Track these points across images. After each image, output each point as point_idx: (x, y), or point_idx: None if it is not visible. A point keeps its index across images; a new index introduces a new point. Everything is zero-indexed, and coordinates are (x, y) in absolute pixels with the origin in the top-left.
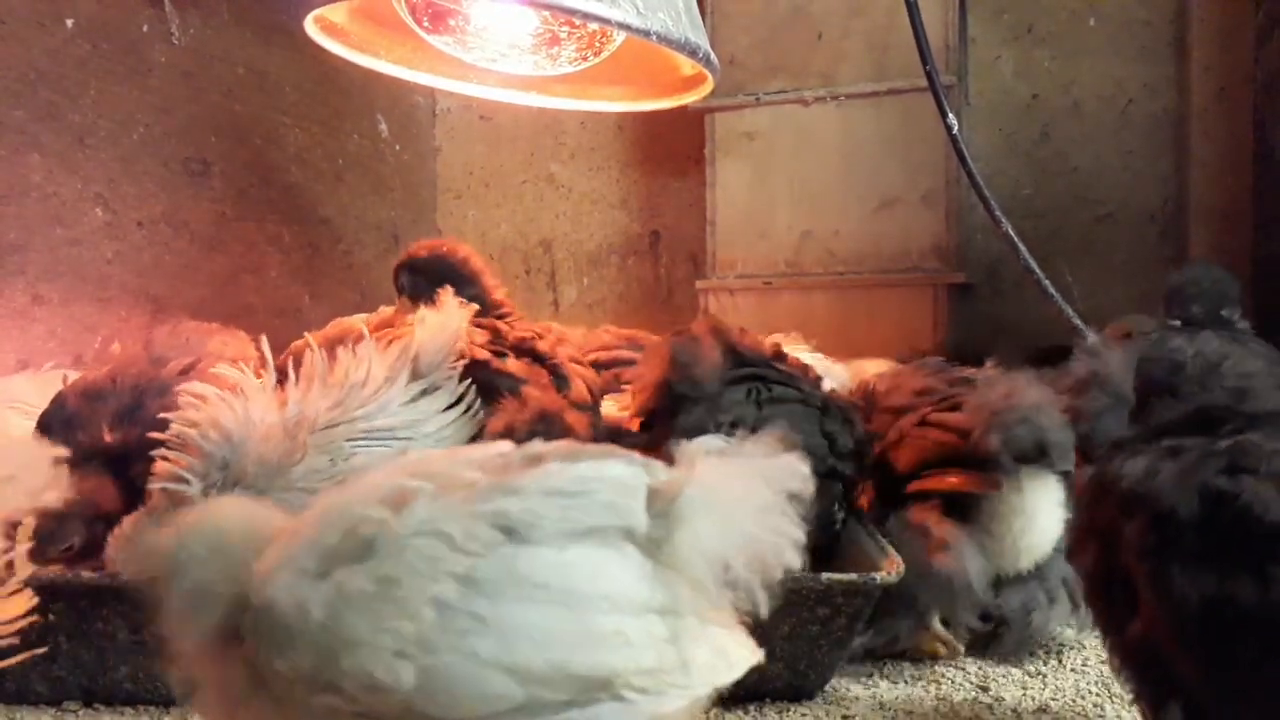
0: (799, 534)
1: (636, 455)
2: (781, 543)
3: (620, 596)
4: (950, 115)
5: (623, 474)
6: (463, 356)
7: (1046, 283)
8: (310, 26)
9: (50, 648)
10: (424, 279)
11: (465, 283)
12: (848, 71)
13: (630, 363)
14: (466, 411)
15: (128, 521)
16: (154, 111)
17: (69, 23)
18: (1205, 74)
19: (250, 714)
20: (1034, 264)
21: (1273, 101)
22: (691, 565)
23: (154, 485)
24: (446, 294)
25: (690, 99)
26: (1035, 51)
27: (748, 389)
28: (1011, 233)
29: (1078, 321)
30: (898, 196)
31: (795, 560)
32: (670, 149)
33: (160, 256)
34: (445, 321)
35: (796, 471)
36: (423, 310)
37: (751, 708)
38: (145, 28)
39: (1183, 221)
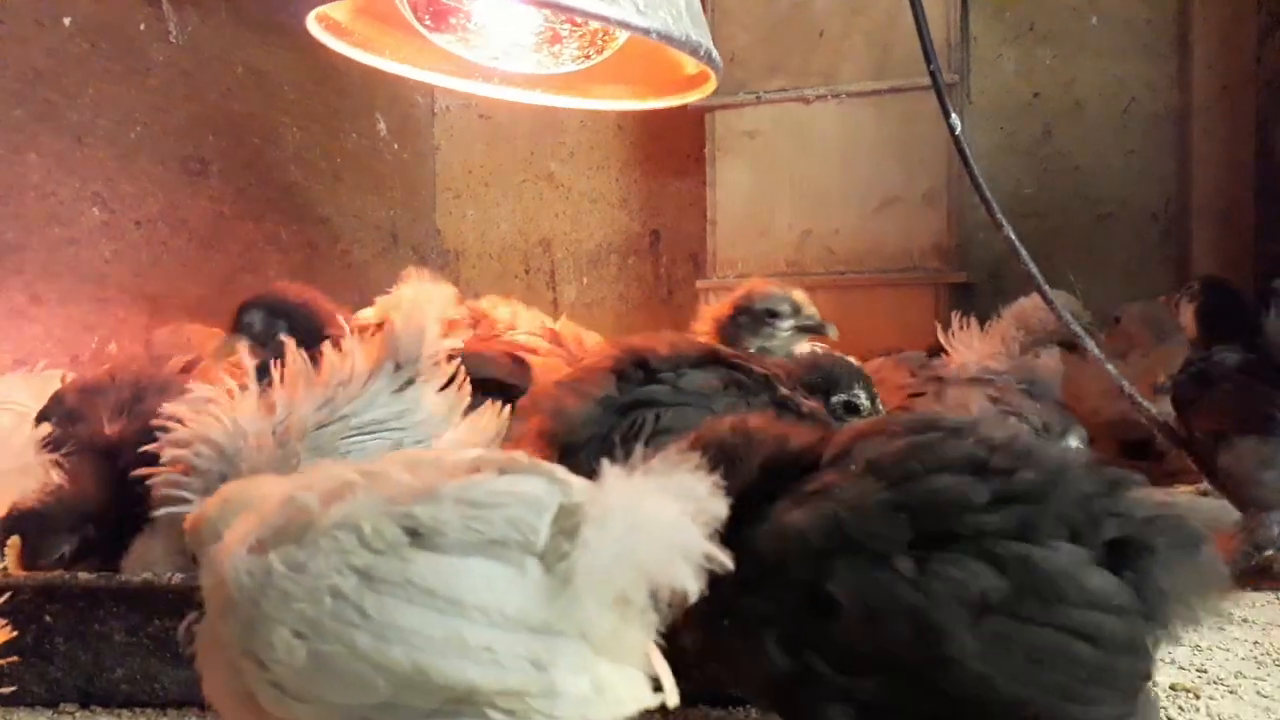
0: (706, 550)
1: (561, 472)
2: (684, 564)
3: (499, 612)
4: (953, 115)
5: (535, 491)
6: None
7: (1045, 288)
8: (313, 25)
9: (47, 649)
10: (284, 324)
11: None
12: (849, 70)
13: None
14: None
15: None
16: (152, 111)
17: (67, 22)
18: (1207, 72)
19: (209, 676)
20: (1034, 266)
21: (1275, 100)
22: (591, 588)
23: (157, 513)
24: (419, 276)
25: (694, 97)
26: (1037, 50)
27: (633, 421)
28: (1013, 236)
29: (1074, 325)
30: (898, 196)
31: (694, 583)
32: (670, 148)
33: (158, 256)
34: (420, 305)
35: (707, 489)
36: (403, 291)
37: (752, 711)
38: (143, 27)
39: (1184, 220)
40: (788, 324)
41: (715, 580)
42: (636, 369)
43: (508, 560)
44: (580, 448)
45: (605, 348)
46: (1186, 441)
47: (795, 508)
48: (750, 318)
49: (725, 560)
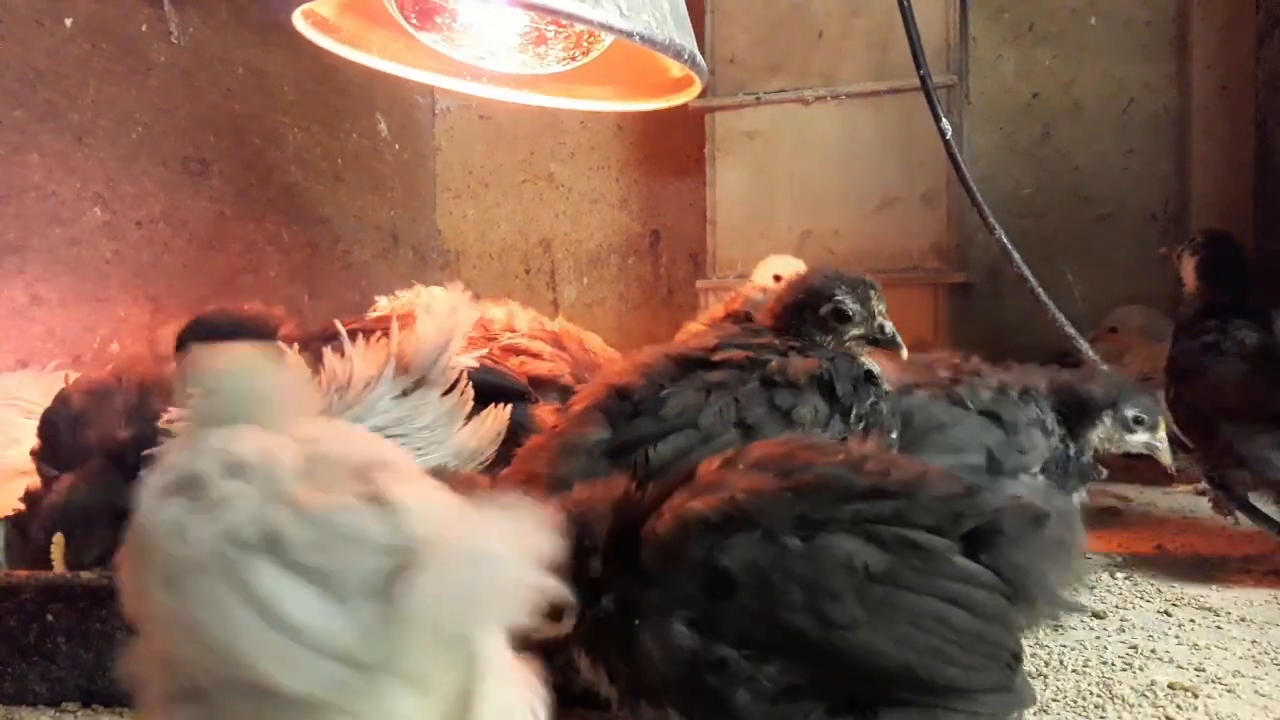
0: (541, 585)
1: (405, 509)
2: (515, 601)
3: (304, 631)
4: (944, 120)
5: (365, 530)
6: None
7: (1039, 289)
8: (299, 21)
9: (49, 648)
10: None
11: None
12: (848, 71)
13: None
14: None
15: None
16: (153, 111)
17: (68, 22)
18: (1206, 73)
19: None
20: (1027, 270)
21: (1273, 100)
22: (417, 625)
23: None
24: (455, 289)
25: (681, 100)
26: (1036, 50)
27: (627, 465)
28: (1004, 239)
29: (1069, 329)
30: (898, 196)
31: (526, 619)
32: (670, 148)
33: (159, 256)
34: (455, 317)
35: (539, 525)
36: (427, 298)
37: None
38: (144, 27)
39: (1184, 220)
40: (855, 331)
41: (623, 591)
42: (622, 402)
43: (328, 588)
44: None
45: (587, 389)
46: (1180, 440)
47: (693, 498)
48: (814, 314)
49: (566, 593)
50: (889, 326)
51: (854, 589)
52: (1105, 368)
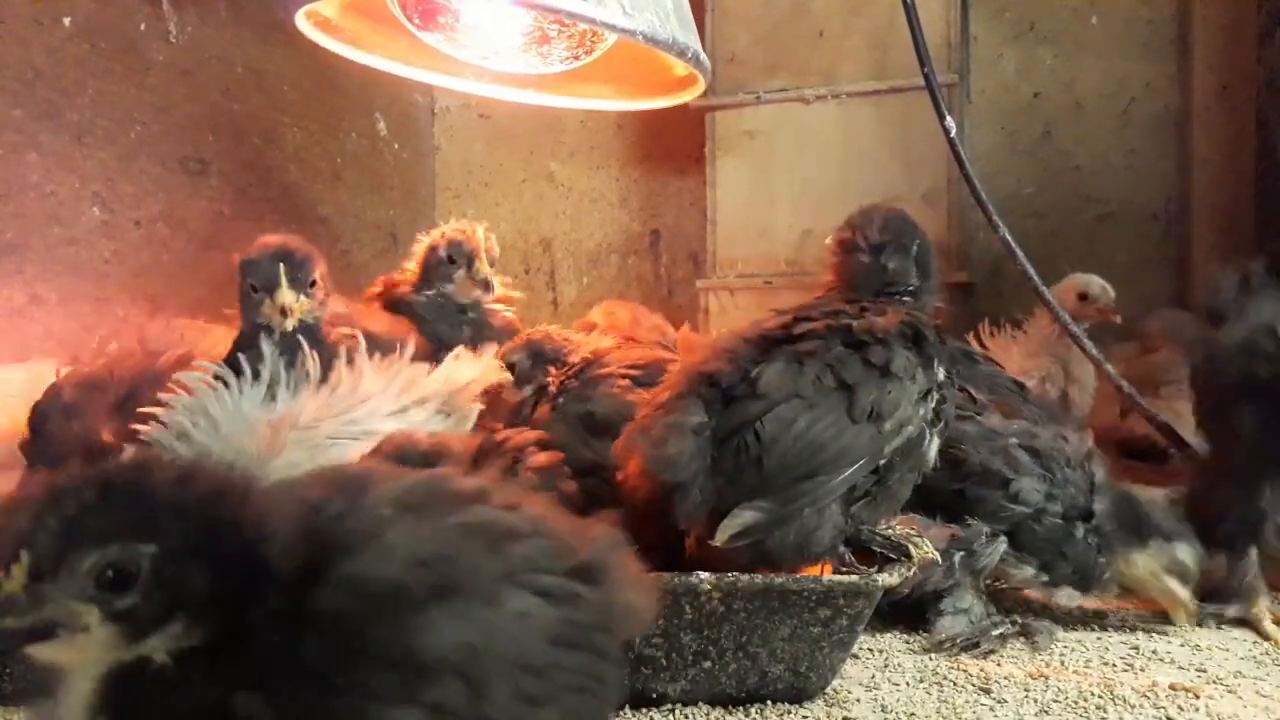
0: None
1: None
2: None
3: None
4: (948, 118)
5: None
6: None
7: (1043, 287)
8: (302, 21)
9: None
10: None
11: None
12: (849, 70)
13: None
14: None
15: None
16: (152, 110)
17: (67, 21)
18: (1208, 72)
19: None
20: (1030, 269)
21: (1275, 100)
22: None
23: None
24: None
25: (685, 98)
26: (1037, 50)
27: (734, 447)
28: (1008, 236)
29: (1072, 326)
30: (899, 195)
31: None
32: (671, 147)
33: (158, 256)
34: (472, 378)
35: None
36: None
37: (753, 709)
38: (143, 26)
39: (1185, 220)
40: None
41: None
42: (711, 389)
43: None
44: (689, 484)
45: (671, 378)
46: (1182, 441)
47: (354, 558)
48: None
49: None
50: None
51: (545, 659)
52: (1108, 366)
